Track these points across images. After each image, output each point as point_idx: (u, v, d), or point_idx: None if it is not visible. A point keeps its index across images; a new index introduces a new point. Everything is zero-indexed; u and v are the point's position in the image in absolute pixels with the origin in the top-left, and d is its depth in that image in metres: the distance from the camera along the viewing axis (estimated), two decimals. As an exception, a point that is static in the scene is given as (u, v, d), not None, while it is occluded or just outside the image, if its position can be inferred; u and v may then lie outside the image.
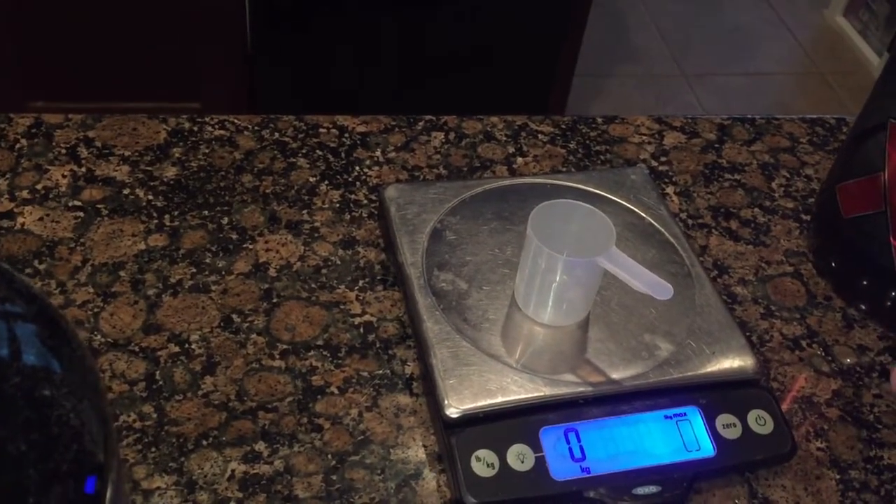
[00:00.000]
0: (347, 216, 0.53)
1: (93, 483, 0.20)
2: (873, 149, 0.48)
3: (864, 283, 0.52)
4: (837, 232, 0.52)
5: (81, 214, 0.51)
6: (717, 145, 0.62)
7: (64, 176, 0.53)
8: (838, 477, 0.44)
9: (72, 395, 0.20)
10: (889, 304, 0.51)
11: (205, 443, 0.42)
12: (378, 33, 1.47)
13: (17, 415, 0.18)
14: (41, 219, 0.50)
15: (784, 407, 0.47)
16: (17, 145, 0.54)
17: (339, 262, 0.50)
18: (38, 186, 0.52)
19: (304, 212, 0.53)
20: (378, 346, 0.47)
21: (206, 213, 0.52)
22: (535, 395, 0.42)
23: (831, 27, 2.26)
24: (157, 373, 0.44)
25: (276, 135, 0.58)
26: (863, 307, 0.52)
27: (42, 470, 0.18)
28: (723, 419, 0.43)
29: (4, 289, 0.21)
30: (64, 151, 0.54)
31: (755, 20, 2.27)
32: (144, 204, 0.52)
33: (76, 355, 0.21)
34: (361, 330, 0.47)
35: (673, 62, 2.10)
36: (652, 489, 0.41)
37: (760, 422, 0.43)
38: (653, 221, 0.52)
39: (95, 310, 0.46)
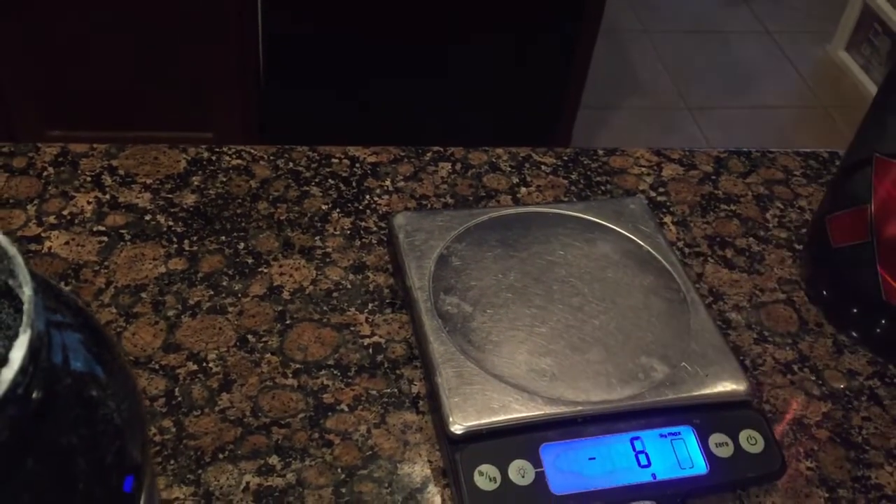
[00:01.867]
0: (358, 242, 0.56)
1: (130, 481, 0.23)
2: (860, 182, 0.51)
3: (854, 310, 0.54)
4: (828, 261, 0.54)
5: (105, 239, 0.54)
6: (713, 177, 0.64)
7: (89, 202, 0.56)
8: (827, 495, 0.46)
9: (114, 397, 0.22)
10: (878, 330, 0.53)
11: (221, 456, 0.44)
12: (389, 68, 1.50)
13: (70, 412, 0.20)
14: (67, 243, 0.53)
15: (775, 428, 0.49)
16: (45, 173, 0.57)
17: (349, 286, 0.53)
18: (65, 212, 0.55)
19: (317, 238, 0.56)
20: (386, 366, 0.49)
21: (223, 238, 0.55)
22: (536, 413, 0.44)
23: (834, 62, 2.30)
24: (177, 389, 0.46)
25: (291, 164, 0.61)
26: (853, 334, 0.54)
27: (89, 460, 0.20)
28: (715, 438, 0.45)
29: (54, 301, 0.23)
30: (89, 179, 0.57)
31: (758, 54, 2.31)
32: (165, 229, 0.55)
33: (117, 363, 0.24)
34: (370, 350, 0.50)
35: (677, 95, 2.13)
36: (647, 504, 0.43)
37: (752, 441, 0.45)
38: (650, 249, 0.54)
39: (118, 329, 0.49)
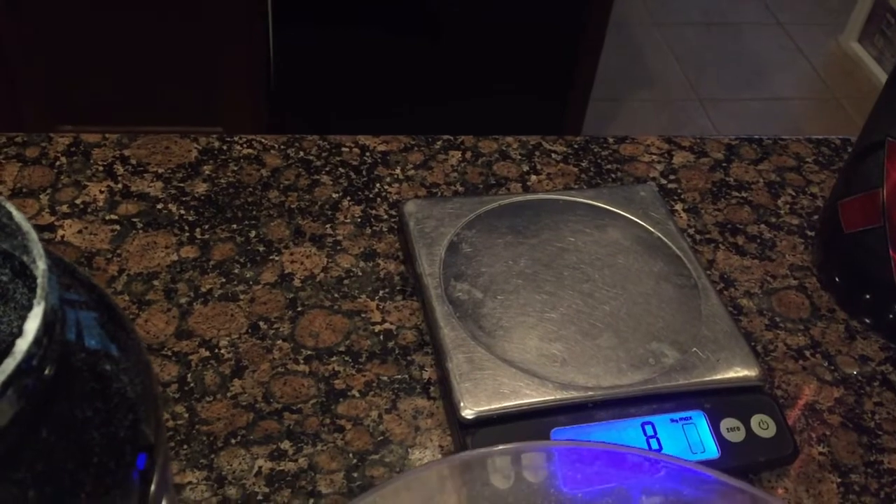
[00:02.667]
0: (368, 230, 0.56)
1: (144, 459, 0.23)
2: (872, 166, 0.50)
3: (866, 296, 0.53)
4: (839, 247, 0.54)
5: (118, 227, 0.54)
6: (724, 164, 0.64)
7: (101, 192, 0.56)
8: (839, 480, 0.46)
9: (128, 372, 0.22)
10: (891, 316, 0.53)
11: (233, 441, 0.44)
12: (399, 59, 1.50)
13: (84, 385, 0.21)
14: (80, 231, 0.53)
15: (787, 413, 0.48)
16: (58, 163, 0.57)
17: (360, 274, 0.53)
18: (77, 201, 0.55)
19: (328, 226, 0.56)
20: (397, 352, 0.49)
21: (234, 226, 0.55)
22: (547, 398, 0.44)
23: (846, 53, 2.28)
24: (189, 375, 0.46)
25: (301, 153, 0.61)
26: (865, 319, 0.54)
27: (104, 433, 0.20)
28: (727, 423, 0.45)
29: (69, 279, 0.23)
30: (101, 169, 0.58)
31: (770, 46, 2.29)
32: (177, 218, 0.55)
33: (131, 340, 0.24)
34: (381, 337, 0.50)
35: (688, 87, 2.12)
36: (658, 488, 0.43)
37: (763, 426, 0.45)
38: (661, 235, 0.54)
39: (131, 316, 0.49)
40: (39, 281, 0.19)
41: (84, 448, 0.20)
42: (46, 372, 0.19)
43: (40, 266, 0.20)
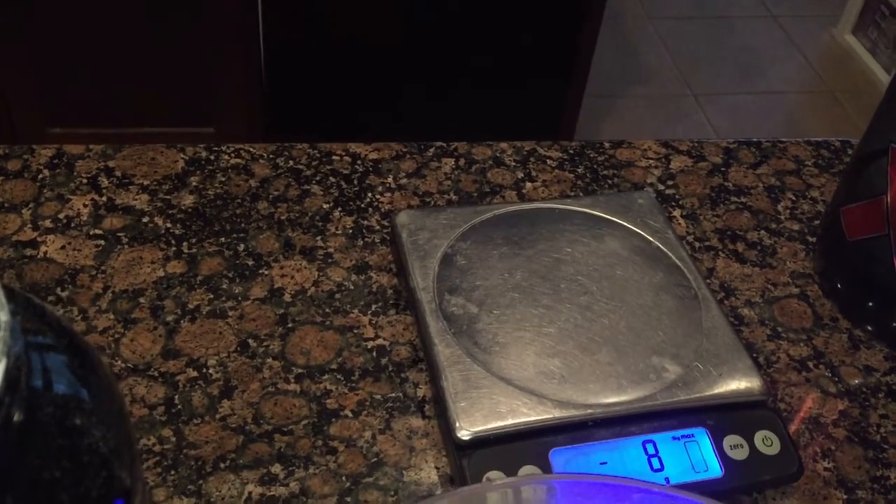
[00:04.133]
0: (360, 242, 0.55)
1: (120, 505, 0.21)
2: (876, 173, 0.49)
3: (870, 304, 0.52)
4: (842, 254, 0.53)
5: (102, 242, 0.52)
6: (723, 169, 0.63)
7: (85, 205, 0.55)
8: (845, 497, 0.44)
9: (101, 423, 0.21)
10: (894, 324, 0.52)
11: (222, 465, 0.43)
12: (390, 62, 1.49)
13: (51, 443, 0.19)
14: (63, 247, 0.52)
15: (791, 428, 0.47)
16: (40, 175, 0.56)
17: (352, 287, 0.52)
18: (60, 216, 0.54)
19: (318, 238, 0.54)
20: (391, 369, 0.48)
21: (222, 239, 0.53)
22: (545, 416, 0.43)
23: (840, 45, 2.27)
24: (176, 397, 0.45)
25: (291, 162, 0.59)
26: (869, 328, 0.52)
27: (73, 495, 0.19)
28: (730, 440, 0.44)
29: (36, 322, 0.22)
30: (85, 181, 0.56)
31: (764, 39, 2.28)
32: (163, 232, 0.53)
33: (103, 384, 0.23)
34: (374, 353, 0.48)
35: (683, 82, 2.11)
36: (660, 510, 0.42)
37: (767, 442, 0.44)
38: (660, 245, 0.53)
39: (116, 336, 0.48)
40: (2, 335, 0.18)
41: (52, 511, 0.19)
42: (13, 424, 0.18)
43: (2, 317, 0.18)
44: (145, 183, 0.56)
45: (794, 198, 0.61)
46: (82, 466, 0.20)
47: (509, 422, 0.43)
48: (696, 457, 0.43)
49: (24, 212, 0.54)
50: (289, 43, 1.45)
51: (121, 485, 0.21)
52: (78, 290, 0.50)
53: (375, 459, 0.44)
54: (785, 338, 0.52)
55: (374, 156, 0.61)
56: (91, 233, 0.53)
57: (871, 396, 0.49)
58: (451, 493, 0.31)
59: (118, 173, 0.57)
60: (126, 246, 0.52)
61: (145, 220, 0.54)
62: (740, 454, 0.43)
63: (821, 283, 0.55)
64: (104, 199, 0.55)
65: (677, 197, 0.60)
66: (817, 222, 0.59)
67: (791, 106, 2.10)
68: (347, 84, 1.51)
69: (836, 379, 0.50)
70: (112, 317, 0.48)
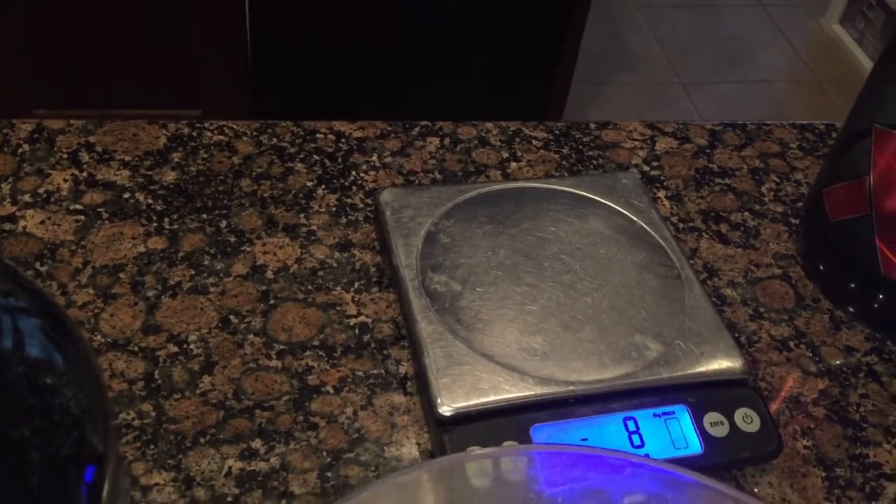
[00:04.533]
0: (344, 220, 0.54)
1: (91, 472, 0.21)
2: (859, 153, 0.49)
3: (851, 285, 0.53)
4: (825, 235, 0.53)
5: (82, 218, 0.52)
6: (708, 150, 0.63)
7: (65, 180, 0.54)
8: (824, 474, 0.45)
9: (73, 384, 0.21)
10: (876, 305, 0.52)
11: (202, 440, 0.42)
12: (378, 42, 1.48)
13: (21, 401, 0.19)
14: (43, 222, 0.51)
15: (772, 406, 0.48)
16: (20, 150, 0.55)
17: (335, 265, 0.51)
18: (40, 190, 0.53)
19: (301, 215, 0.54)
20: (373, 346, 0.48)
21: (204, 216, 0.53)
22: (527, 393, 0.43)
23: (828, 35, 2.28)
24: (156, 372, 0.45)
25: (275, 140, 0.59)
26: (850, 309, 0.53)
27: (44, 454, 0.19)
28: (710, 417, 0.44)
29: (9, 284, 0.21)
30: (65, 156, 0.55)
31: (752, 28, 2.28)
32: (144, 208, 0.53)
33: (77, 348, 0.22)
34: (357, 331, 0.48)
35: (670, 70, 2.11)
36: (640, 486, 0.42)
37: (747, 420, 0.44)
38: (644, 225, 0.53)
39: (96, 311, 0.47)
40: (-32, 291, 0.18)
41: (22, 470, 0.18)
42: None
43: (-30, 274, 0.18)
44: (126, 159, 0.56)
45: (778, 180, 0.61)
46: (53, 426, 0.19)
47: (491, 398, 0.43)
48: (676, 434, 0.43)
49: (3, 186, 0.53)
50: (276, 25, 1.43)
51: (92, 449, 0.21)
52: (57, 264, 0.49)
53: (356, 435, 0.44)
54: (767, 318, 0.52)
55: (358, 134, 0.60)
56: (71, 208, 0.52)
57: (852, 376, 0.50)
58: (432, 463, 0.31)
59: (99, 149, 0.56)
60: (106, 221, 0.52)
61: (126, 195, 0.54)
62: (720, 431, 0.44)
63: (803, 265, 0.55)
64: (84, 174, 0.55)
65: (662, 178, 0.60)
66: (801, 204, 0.59)
67: (778, 94, 2.11)
68: (334, 66, 1.50)
69: (817, 359, 0.50)
70: (92, 292, 0.48)
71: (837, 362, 0.50)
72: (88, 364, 0.22)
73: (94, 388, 0.22)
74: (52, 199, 0.53)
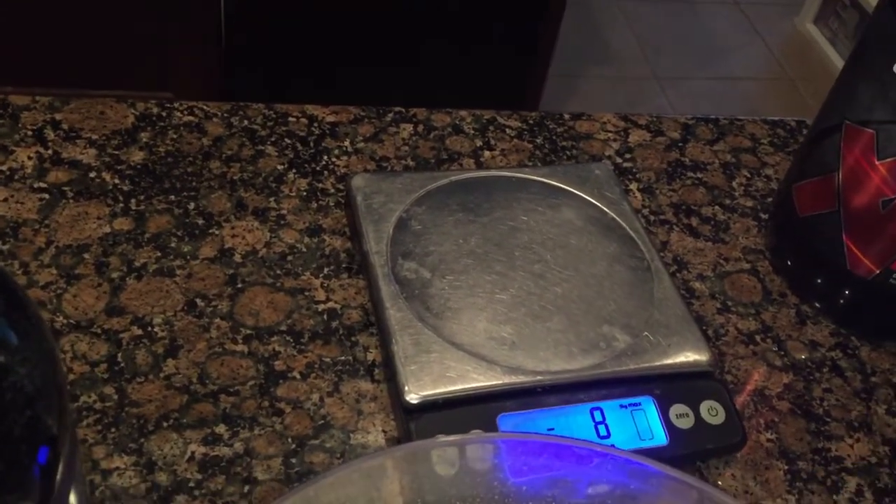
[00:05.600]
0: (314, 204, 0.54)
1: (45, 453, 0.21)
2: (829, 149, 0.49)
3: (818, 280, 0.53)
4: (793, 231, 0.54)
5: (47, 196, 0.51)
6: (680, 144, 0.63)
7: (30, 157, 0.53)
8: (786, 467, 0.45)
9: (26, 362, 0.20)
10: (841, 301, 0.52)
11: (165, 424, 0.42)
12: (353, 27, 1.47)
13: (-29, 378, 0.18)
14: (6, 200, 0.50)
15: (737, 399, 0.48)
16: (-17, 126, 0.54)
17: (304, 250, 0.51)
18: (3, 167, 0.52)
19: (272, 199, 0.53)
20: (341, 332, 0.47)
21: (172, 197, 0.52)
22: (494, 382, 0.43)
23: (801, 34, 2.30)
24: (119, 355, 0.44)
25: (246, 122, 0.58)
26: (816, 304, 0.53)
27: (-5, 433, 0.18)
28: (676, 409, 0.44)
29: (-38, 258, 0.21)
30: (30, 133, 0.54)
31: (727, 26, 2.30)
32: (111, 187, 0.52)
33: (33, 327, 0.22)
34: (325, 316, 0.48)
35: (646, 65, 2.12)
36: (605, 476, 0.42)
37: (712, 412, 0.44)
38: (615, 216, 0.53)
39: (59, 291, 0.46)
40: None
41: (-30, 449, 0.18)
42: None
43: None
44: (93, 137, 0.55)
45: (748, 175, 0.62)
46: (4, 404, 0.19)
47: (458, 386, 0.43)
48: (642, 425, 0.43)
49: (-35, 162, 0.52)
50: (248, 5, 1.42)
51: (46, 429, 0.20)
52: (20, 243, 0.48)
53: (322, 422, 0.43)
54: (734, 311, 0.52)
55: (331, 119, 0.60)
56: (35, 186, 0.51)
57: (816, 371, 0.50)
58: (396, 449, 0.31)
59: (65, 126, 0.55)
60: (71, 201, 0.51)
61: (92, 174, 0.53)
62: (685, 423, 0.44)
63: (771, 259, 0.56)
64: (50, 151, 0.53)
65: (634, 170, 0.60)
66: (770, 199, 0.60)
67: (751, 92, 2.13)
68: (307, 49, 1.48)
69: (783, 353, 0.51)
70: (55, 272, 0.47)
71: (802, 357, 0.51)
72: (43, 341, 0.22)
73: (48, 368, 0.21)
74: (16, 177, 0.52)
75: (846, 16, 2.18)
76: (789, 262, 0.54)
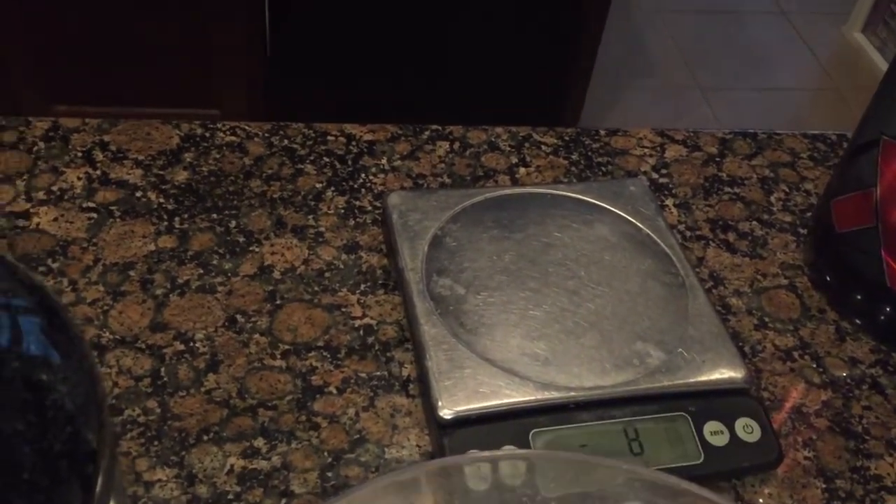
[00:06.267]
0: (352, 222, 0.55)
1: (84, 468, 0.22)
2: (866, 165, 0.49)
3: (857, 296, 0.52)
4: (831, 246, 0.53)
5: (95, 215, 0.53)
6: (717, 159, 0.63)
7: (79, 178, 0.55)
8: (824, 486, 0.45)
9: (67, 381, 0.21)
10: (881, 317, 0.52)
11: (206, 438, 0.43)
12: (393, 47, 1.49)
13: (16, 396, 0.19)
14: (56, 219, 0.52)
15: (774, 416, 0.47)
16: (35, 148, 0.56)
17: (342, 266, 0.52)
18: (54, 188, 0.54)
19: (310, 217, 0.55)
20: (377, 348, 0.48)
21: (214, 216, 0.54)
22: (527, 398, 0.43)
23: (849, 43, 2.26)
24: (163, 369, 0.45)
25: (286, 141, 0.59)
26: (856, 321, 0.53)
27: (36, 449, 0.19)
28: (711, 426, 0.44)
29: (8, 280, 0.22)
30: (80, 155, 0.56)
31: (773, 35, 2.27)
32: (156, 206, 0.54)
33: (73, 345, 0.23)
34: (361, 332, 0.49)
35: (689, 75, 2.10)
36: (638, 493, 0.42)
37: (748, 430, 0.44)
38: (650, 232, 0.53)
39: (105, 307, 0.48)
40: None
41: (14, 464, 0.19)
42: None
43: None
44: (140, 158, 0.57)
45: (787, 189, 0.61)
46: (46, 421, 0.20)
47: (492, 402, 0.43)
48: (676, 442, 0.43)
49: (18, 183, 0.54)
50: (294, 25, 1.44)
51: (86, 444, 0.21)
52: (69, 261, 0.50)
53: (358, 436, 0.44)
54: (772, 328, 0.52)
55: (368, 137, 0.61)
56: (84, 205, 0.53)
57: (856, 388, 0.49)
58: (429, 464, 0.31)
59: (113, 147, 0.57)
60: (118, 220, 0.53)
61: (138, 194, 0.54)
62: (720, 440, 0.44)
63: (810, 275, 0.55)
64: (98, 172, 0.55)
65: (670, 186, 0.60)
66: (809, 215, 0.59)
67: (797, 103, 2.10)
68: (351, 69, 1.51)
69: (821, 370, 0.50)
70: (102, 289, 0.49)
71: (842, 374, 0.50)
72: (83, 360, 0.23)
73: (89, 385, 0.22)
74: (66, 197, 0.54)
75: (894, 24, 2.14)
76: (828, 278, 0.54)
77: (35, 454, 0.19)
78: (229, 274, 0.51)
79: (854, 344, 0.52)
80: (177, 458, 0.42)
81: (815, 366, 0.50)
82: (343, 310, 0.50)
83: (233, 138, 0.59)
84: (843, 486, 0.45)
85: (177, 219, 0.53)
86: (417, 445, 0.44)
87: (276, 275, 0.51)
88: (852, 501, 0.44)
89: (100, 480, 0.22)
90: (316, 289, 0.50)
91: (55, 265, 0.50)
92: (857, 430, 0.47)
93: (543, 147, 0.62)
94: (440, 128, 0.62)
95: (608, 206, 0.54)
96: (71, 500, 0.21)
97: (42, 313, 0.22)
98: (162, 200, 0.54)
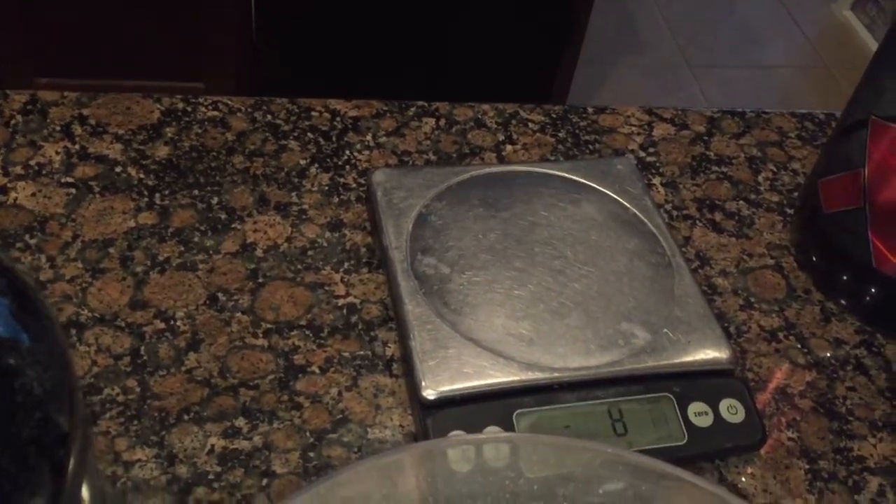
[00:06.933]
0: (336, 199, 0.54)
1: (55, 452, 0.21)
2: (855, 145, 0.49)
3: (844, 277, 0.52)
4: (818, 226, 0.53)
5: (73, 191, 0.52)
6: (705, 138, 0.62)
7: (57, 153, 0.54)
8: (807, 466, 0.45)
9: (38, 364, 0.21)
10: (867, 298, 0.52)
11: (186, 417, 0.42)
12: (383, 18, 1.47)
13: (-19, 381, 0.19)
14: (34, 194, 0.51)
15: (758, 397, 0.47)
16: (13, 121, 0.55)
17: (325, 245, 0.51)
18: (32, 162, 0.53)
19: (293, 194, 0.54)
20: (360, 327, 0.48)
21: (196, 192, 0.53)
22: (511, 378, 0.43)
23: (839, 21, 2.26)
24: (142, 348, 0.45)
25: (269, 117, 0.59)
26: (841, 301, 0.52)
27: (3, 434, 0.19)
28: (695, 407, 0.44)
29: (-24, 261, 0.21)
30: (58, 128, 0.55)
31: (763, 13, 2.26)
32: (136, 182, 0.53)
33: (45, 328, 0.22)
34: (345, 311, 0.48)
35: (679, 53, 2.09)
36: (622, 474, 0.42)
37: (732, 411, 0.44)
38: (636, 212, 0.52)
39: (84, 285, 0.47)
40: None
41: (-20, 450, 0.18)
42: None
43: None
44: (119, 132, 0.56)
45: (775, 169, 0.61)
46: (14, 406, 0.19)
47: (475, 382, 0.43)
48: (660, 423, 0.43)
49: (-6, 158, 0.53)
50: (280, 3, 1.42)
51: (57, 429, 0.21)
52: (47, 237, 0.49)
53: (340, 416, 0.44)
54: (757, 308, 0.52)
55: (353, 113, 0.60)
56: (62, 181, 0.52)
57: (840, 369, 0.49)
58: (413, 446, 0.31)
59: (92, 121, 0.56)
60: (97, 195, 0.52)
61: (118, 169, 0.53)
62: (704, 421, 0.44)
63: (796, 255, 0.55)
64: (77, 147, 0.54)
65: (658, 165, 0.60)
66: (796, 195, 0.59)
67: (787, 81, 2.09)
68: (338, 43, 1.49)
69: (806, 350, 0.50)
70: (80, 266, 0.48)
71: (826, 354, 0.50)
72: (55, 343, 0.22)
73: (60, 368, 0.22)
74: (44, 172, 0.53)
75: (884, 2, 2.13)
76: (814, 259, 0.54)
77: (1, 439, 0.19)
78: (211, 251, 0.50)
79: (839, 325, 0.52)
80: (157, 437, 0.42)
81: (799, 346, 0.50)
82: (326, 288, 0.49)
83: (215, 113, 0.58)
84: (826, 467, 0.45)
85: (157, 195, 0.52)
86: (400, 425, 0.44)
87: (259, 252, 0.50)
88: (835, 482, 0.44)
89: (71, 464, 0.22)
90: (299, 267, 0.50)
91: (33, 241, 0.49)
92: (840, 411, 0.47)
93: (530, 124, 0.61)
94: (426, 104, 0.61)
95: (595, 185, 0.53)
96: (41, 485, 0.21)
97: (11, 295, 0.21)
98: (142, 176, 0.53)
